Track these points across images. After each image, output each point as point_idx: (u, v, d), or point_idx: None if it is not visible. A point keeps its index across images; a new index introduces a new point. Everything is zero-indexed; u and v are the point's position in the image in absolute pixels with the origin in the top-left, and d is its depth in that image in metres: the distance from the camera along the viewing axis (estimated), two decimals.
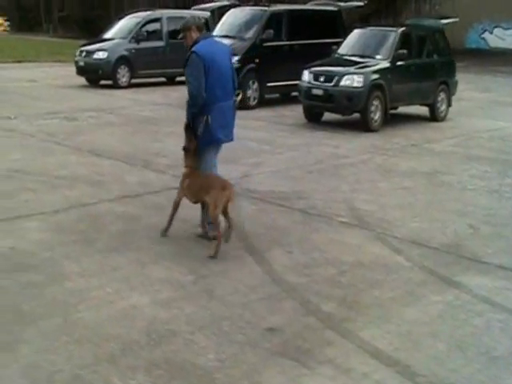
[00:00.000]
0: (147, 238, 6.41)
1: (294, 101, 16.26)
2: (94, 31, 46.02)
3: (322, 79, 12.81)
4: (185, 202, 6.39)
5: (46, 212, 7.07)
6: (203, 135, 6.14)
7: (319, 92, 12.77)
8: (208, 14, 20.45)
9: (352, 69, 12.72)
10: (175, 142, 10.52)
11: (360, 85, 12.41)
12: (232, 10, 17.04)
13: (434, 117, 14.17)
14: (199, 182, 6.16)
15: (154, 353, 4.24)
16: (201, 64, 5.94)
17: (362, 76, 12.47)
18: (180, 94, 15.19)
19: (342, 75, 12.54)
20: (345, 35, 16.59)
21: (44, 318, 4.67)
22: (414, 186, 8.75)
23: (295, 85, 15.15)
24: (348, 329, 4.67)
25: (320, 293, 5.26)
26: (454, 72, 14.70)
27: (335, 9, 17.40)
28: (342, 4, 17.64)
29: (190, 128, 6.21)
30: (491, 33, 40.02)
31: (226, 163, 9.66)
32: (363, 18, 33.76)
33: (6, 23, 14.85)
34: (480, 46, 39.61)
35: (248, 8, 16.65)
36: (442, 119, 14.30)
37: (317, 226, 6.97)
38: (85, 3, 49.94)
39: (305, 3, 25.77)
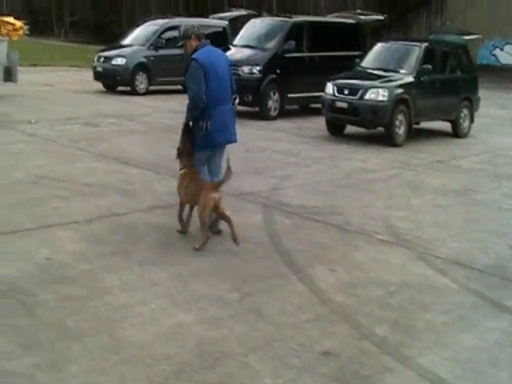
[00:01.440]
0: (184, 250, 6.25)
1: (313, 112, 16.20)
2: (105, 36, 46.12)
3: (346, 92, 12.66)
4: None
5: (79, 221, 6.90)
6: (202, 139, 6.36)
7: (343, 105, 12.61)
8: (226, 22, 20.34)
9: (377, 82, 12.58)
10: None
11: (385, 99, 12.27)
12: (253, 20, 16.93)
13: (457, 133, 14.02)
14: (195, 186, 6.32)
15: (209, 376, 4.07)
16: (201, 70, 6.22)
17: (387, 90, 12.32)
18: None
19: (366, 89, 12.40)
20: (365, 48, 16.57)
21: (89, 334, 4.49)
22: (448, 204, 8.58)
23: (316, 96, 15.08)
24: (405, 354, 4.49)
25: (370, 315, 5.08)
26: (476, 88, 14.57)
27: (356, 21, 17.27)
28: (362, 17, 17.53)
29: (189, 130, 6.44)
30: (502, 49, 39.93)
31: (254, 175, 9.59)
32: (375, 31, 33.66)
33: (26, 27, 14.76)
34: (491, 62, 39.50)
35: (269, 18, 16.57)
36: (465, 135, 14.14)
37: (356, 243, 6.80)
38: (96, 8, 50.01)
39: (315, 14, 25.75)
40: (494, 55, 39.96)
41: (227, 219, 6.30)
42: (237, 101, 6.83)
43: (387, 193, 8.96)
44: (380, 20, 18.88)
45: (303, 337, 4.64)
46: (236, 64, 14.78)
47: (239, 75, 14.82)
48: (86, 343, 4.36)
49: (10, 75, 15.62)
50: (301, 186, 9.06)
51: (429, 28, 40.29)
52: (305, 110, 16.90)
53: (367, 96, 12.35)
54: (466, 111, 14.04)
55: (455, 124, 13.98)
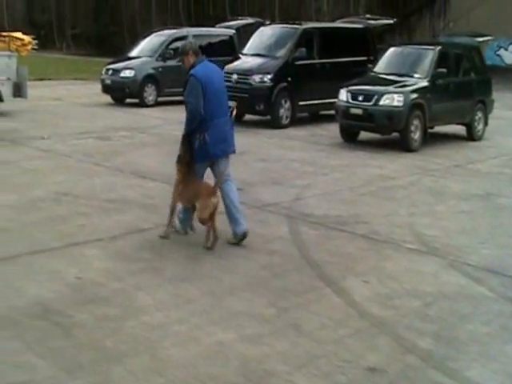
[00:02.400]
0: (213, 266, 6.17)
1: (323, 119, 16.14)
2: (106, 48, 46.06)
3: (360, 98, 12.58)
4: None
5: (104, 238, 6.83)
6: (199, 151, 6.58)
7: (358, 111, 12.53)
8: (233, 31, 20.31)
9: (391, 88, 12.51)
10: None
11: (400, 104, 12.19)
12: (262, 28, 16.87)
13: (471, 136, 13.93)
14: (191, 189, 6.62)
15: None
16: (199, 85, 6.43)
17: (402, 95, 12.24)
18: None
19: (381, 94, 12.32)
20: (375, 53, 16.52)
21: (129, 355, 4.42)
22: (472, 210, 8.50)
23: (327, 103, 15.03)
24: (452, 368, 4.40)
25: (411, 327, 4.99)
26: (490, 90, 14.49)
27: (365, 26, 17.20)
28: (371, 22, 17.47)
29: (188, 140, 6.66)
30: (506, 49, 39.84)
31: (273, 185, 9.53)
32: (379, 35, 33.55)
33: (34, 42, 14.69)
34: (495, 62, 39.31)
35: (279, 26, 16.46)
36: (479, 138, 14.06)
37: (386, 253, 6.71)
38: (97, 21, 50.08)
39: (317, 20, 25.61)
40: (498, 55, 39.82)
41: (215, 227, 6.55)
42: (234, 112, 7.00)
43: (409, 200, 8.87)
44: (389, 24, 18.80)
45: (346, 352, 4.55)
46: (247, 73, 14.82)
47: (250, 84, 14.81)
48: (128, 365, 4.28)
49: (19, 91, 15.58)
50: (322, 196, 8.98)
51: (432, 30, 40.20)
52: (315, 117, 16.81)
53: (382, 102, 12.27)
54: (480, 114, 13.95)
55: (470, 127, 13.90)
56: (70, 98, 19.70)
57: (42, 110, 16.84)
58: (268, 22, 19.75)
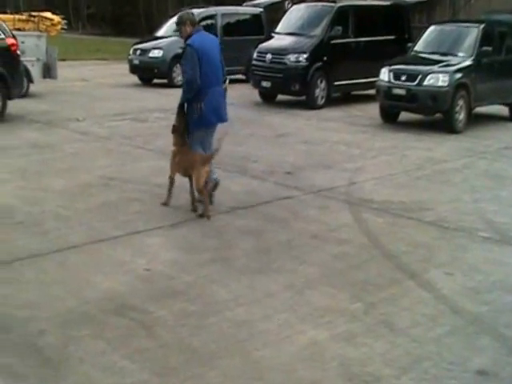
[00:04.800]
0: (285, 256, 5.88)
1: (357, 100, 15.81)
2: (122, 28, 45.61)
3: (403, 78, 12.19)
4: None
5: (163, 226, 6.55)
6: (196, 118, 6.74)
7: (401, 91, 12.15)
8: (261, 9, 19.87)
9: (436, 67, 12.10)
10: (257, 144, 10.10)
11: (445, 84, 11.80)
12: (295, 6, 16.43)
13: None
14: (186, 159, 6.80)
15: None
16: (195, 55, 6.57)
17: (447, 75, 11.84)
18: (237, 93, 14.67)
19: (425, 74, 11.92)
20: (410, 31, 16.12)
21: (221, 356, 4.13)
22: None
23: (362, 83, 14.70)
24: None
25: (511, 325, 4.67)
26: None
27: (401, 4, 16.75)
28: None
29: (183, 110, 6.82)
30: None
31: (323, 168, 9.22)
32: None
33: (64, 22, 14.24)
34: None
35: (313, 4, 15.97)
36: None
37: (461, 242, 6.39)
38: (112, 1, 49.61)
39: None
40: None
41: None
42: (227, 83, 7.15)
43: (469, 184, 8.53)
44: (423, 2, 18.31)
45: (449, 353, 4.25)
46: (281, 52, 14.44)
47: (285, 64, 14.44)
48: (222, 368, 4.00)
49: (49, 72, 15.33)
50: (377, 180, 8.65)
51: (452, 8, 39.47)
52: (348, 97, 16.44)
53: (426, 82, 11.88)
54: None
55: None
56: (96, 79, 19.40)
57: (70, 91, 16.56)
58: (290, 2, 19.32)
